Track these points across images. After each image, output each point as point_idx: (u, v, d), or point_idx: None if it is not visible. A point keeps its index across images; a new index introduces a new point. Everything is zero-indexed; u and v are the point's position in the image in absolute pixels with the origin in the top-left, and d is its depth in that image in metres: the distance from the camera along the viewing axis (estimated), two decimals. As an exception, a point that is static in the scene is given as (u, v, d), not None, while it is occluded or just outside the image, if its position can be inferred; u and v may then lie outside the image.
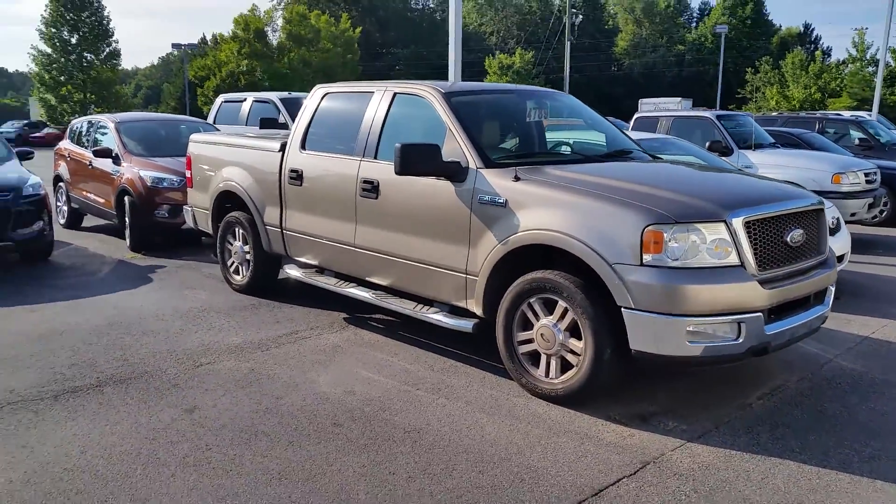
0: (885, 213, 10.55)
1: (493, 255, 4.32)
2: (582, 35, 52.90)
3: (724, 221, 3.82)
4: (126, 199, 8.50)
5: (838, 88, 41.46)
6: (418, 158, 4.48)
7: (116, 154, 8.83)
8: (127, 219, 8.56)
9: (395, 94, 5.24)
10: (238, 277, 6.59)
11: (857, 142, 13.79)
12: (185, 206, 7.37)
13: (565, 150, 5.72)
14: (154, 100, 70.61)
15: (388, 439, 3.66)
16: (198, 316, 5.84)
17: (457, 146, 4.63)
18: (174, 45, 49.74)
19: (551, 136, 5.91)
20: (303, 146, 5.77)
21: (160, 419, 3.87)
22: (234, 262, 6.62)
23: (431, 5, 70.66)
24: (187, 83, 44.31)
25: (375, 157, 5.13)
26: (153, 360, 4.79)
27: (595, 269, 3.87)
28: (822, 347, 5.14)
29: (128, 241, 8.67)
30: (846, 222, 7.28)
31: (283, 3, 51.16)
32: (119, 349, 5.01)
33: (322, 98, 5.86)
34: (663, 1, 66.46)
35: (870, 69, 41.63)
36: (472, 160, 4.53)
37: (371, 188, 5.05)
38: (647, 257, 3.74)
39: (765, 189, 4.50)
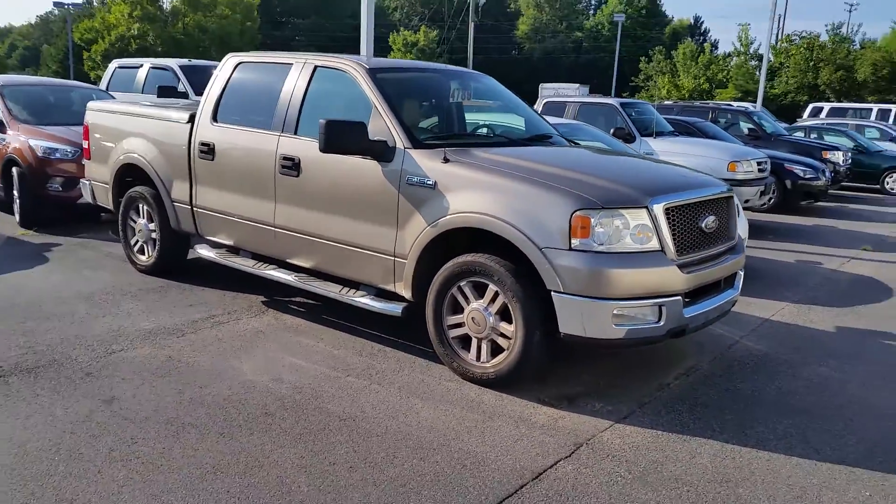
0: (773, 199, 11.24)
1: (422, 238, 4.27)
2: (485, 16, 53.19)
3: (646, 207, 3.92)
4: (14, 170, 7.83)
5: (725, 80, 43.73)
6: (344, 136, 4.35)
7: (1, 120, 8.11)
8: (15, 192, 7.90)
9: (315, 67, 5.05)
10: (143, 257, 6.22)
11: (746, 131, 14.58)
12: (82, 180, 6.87)
13: (487, 132, 5.71)
14: (32, 62, 65.57)
15: (323, 428, 3.56)
16: (103, 299, 5.47)
17: (383, 125, 4.52)
18: (56, 4, 46.35)
19: (470, 118, 5.89)
20: (214, 118, 5.48)
21: (77, 411, 3.61)
22: (138, 241, 6.24)
23: (333, -24, 68.98)
24: (72, 46, 41.37)
25: (295, 133, 4.94)
26: (61, 347, 4.45)
27: (525, 253, 3.89)
28: (728, 329, 5.40)
29: (17, 216, 8.00)
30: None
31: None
32: (21, 335, 4.63)
33: (235, 68, 5.58)
34: (563, -14, 67.76)
35: (752, 63, 44.12)
36: (400, 140, 4.44)
37: (291, 165, 4.87)
38: (574, 242, 3.79)
39: (681, 177, 4.65)
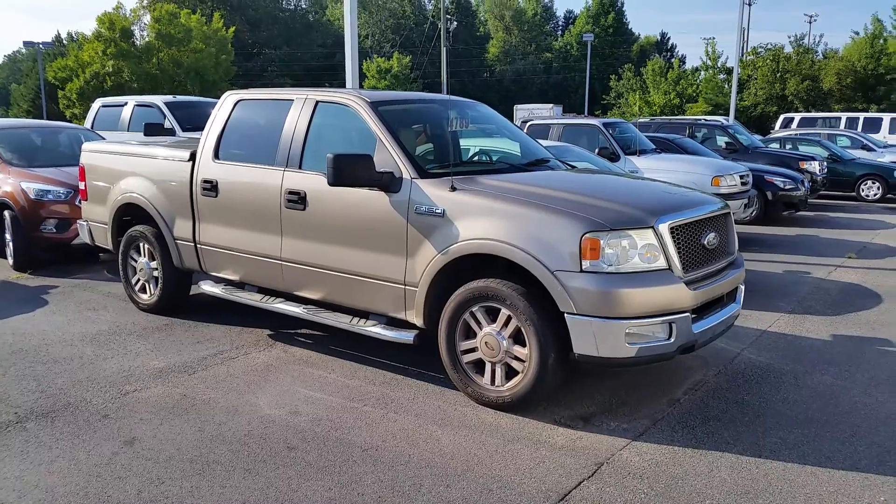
0: (755, 212, 11.47)
1: (432, 266, 4.33)
2: (456, 41, 53.84)
3: (653, 227, 4.03)
4: (6, 213, 7.79)
5: (695, 94, 44.50)
6: (352, 169, 4.43)
7: (-9, 164, 8.08)
8: (8, 235, 7.85)
9: (317, 102, 5.14)
10: (145, 296, 6.21)
11: (723, 145, 14.89)
12: (79, 221, 6.86)
13: (485, 158, 5.82)
14: (1, 102, 65.03)
15: (347, 460, 3.59)
16: (109, 339, 5.46)
17: (388, 156, 4.60)
18: (26, 43, 46.18)
19: (465, 144, 6.00)
20: (216, 155, 5.53)
21: (100, 454, 3.60)
22: (139, 280, 6.24)
23: (304, 6, 69.49)
24: (43, 84, 41.11)
25: (300, 167, 5.00)
26: (74, 390, 4.44)
27: (538, 277, 3.97)
28: (729, 342, 5.50)
29: (10, 259, 7.95)
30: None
31: (146, 1, 48.62)
32: (32, 380, 4.61)
33: (235, 105, 5.64)
34: (531, 9, 68.80)
35: (721, 76, 44.99)
36: (406, 170, 4.52)
37: (297, 199, 4.93)
38: (585, 264, 3.88)
39: (682, 196, 4.77)
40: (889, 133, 22.02)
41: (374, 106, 4.86)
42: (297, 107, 5.19)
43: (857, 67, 39.46)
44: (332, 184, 4.43)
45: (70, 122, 27.86)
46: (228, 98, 5.72)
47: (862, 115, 23.81)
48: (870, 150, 18.71)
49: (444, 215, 4.30)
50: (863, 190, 16.59)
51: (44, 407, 4.20)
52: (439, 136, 5.46)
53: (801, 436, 3.97)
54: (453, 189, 4.34)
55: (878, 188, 16.41)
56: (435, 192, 4.38)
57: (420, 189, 4.42)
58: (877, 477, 3.52)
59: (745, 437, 3.93)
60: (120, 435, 3.83)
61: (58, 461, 3.54)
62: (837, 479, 3.49)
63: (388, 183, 4.50)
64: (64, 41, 54.17)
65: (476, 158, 5.72)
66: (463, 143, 5.98)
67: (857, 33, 42.85)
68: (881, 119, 23.04)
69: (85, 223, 6.74)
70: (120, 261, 6.32)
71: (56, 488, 3.29)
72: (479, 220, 4.21)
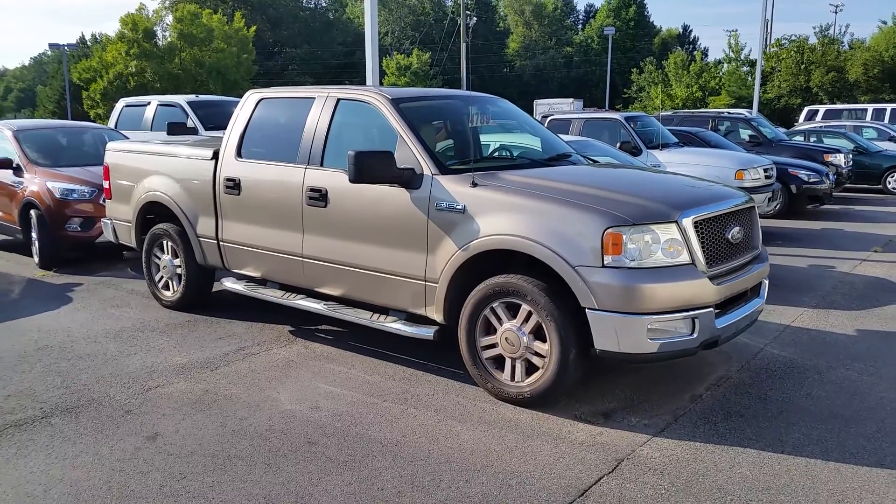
0: (779, 205, 11.31)
1: (453, 262, 4.34)
2: (475, 36, 53.72)
3: (676, 222, 4.00)
4: (32, 212, 7.93)
5: (717, 87, 44.02)
6: (373, 166, 4.44)
7: (18, 164, 8.21)
8: (34, 234, 7.99)
9: (338, 99, 5.16)
10: (168, 293, 6.29)
11: (747, 138, 14.71)
12: (103, 219, 6.95)
13: (506, 154, 5.80)
14: (28, 103, 66.09)
15: (367, 455, 3.61)
16: (132, 336, 5.53)
17: (409, 153, 4.61)
18: (52, 45, 46.78)
19: (486, 139, 5.99)
20: (239, 154, 5.58)
21: (123, 449, 3.66)
22: (162, 277, 6.32)
23: (323, 4, 69.73)
24: (68, 85, 41.66)
25: (321, 165, 5.03)
26: (98, 386, 4.51)
27: (559, 272, 3.96)
28: (752, 337, 5.45)
29: (36, 257, 8.09)
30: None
31: (167, 1, 49.08)
32: (57, 375, 4.69)
33: (257, 104, 5.68)
34: (551, 3, 68.44)
35: (744, 69, 44.45)
36: (427, 167, 4.52)
37: (319, 196, 4.95)
38: (607, 259, 3.86)
39: (705, 189, 4.73)
40: (917, 124, 21.59)
41: (396, 103, 4.87)
42: (319, 105, 5.21)
43: (885, 57, 38.78)
44: (353, 181, 4.45)
45: (94, 122, 28.25)
46: (251, 97, 5.76)
47: (889, 106, 23.33)
48: (897, 141, 18.38)
49: (465, 211, 4.30)
50: (889, 182, 16.30)
51: (68, 402, 4.27)
52: (460, 131, 5.45)
53: (824, 431, 3.92)
54: (474, 185, 4.34)
55: (906, 181, 16.12)
56: (456, 189, 4.38)
57: (441, 185, 4.43)
58: (903, 473, 3.47)
59: (767, 433, 3.89)
60: (143, 430, 3.89)
61: (82, 456, 3.60)
62: (862, 476, 3.44)
63: (409, 179, 4.51)
64: (88, 43, 54.95)
65: (497, 154, 5.71)
66: (484, 138, 5.97)
67: (885, 23, 42.17)
68: (909, 110, 22.59)
69: (109, 221, 6.83)
70: (143, 258, 6.40)
71: (80, 482, 3.34)
72: (499, 215, 4.20)
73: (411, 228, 4.52)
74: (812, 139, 17.20)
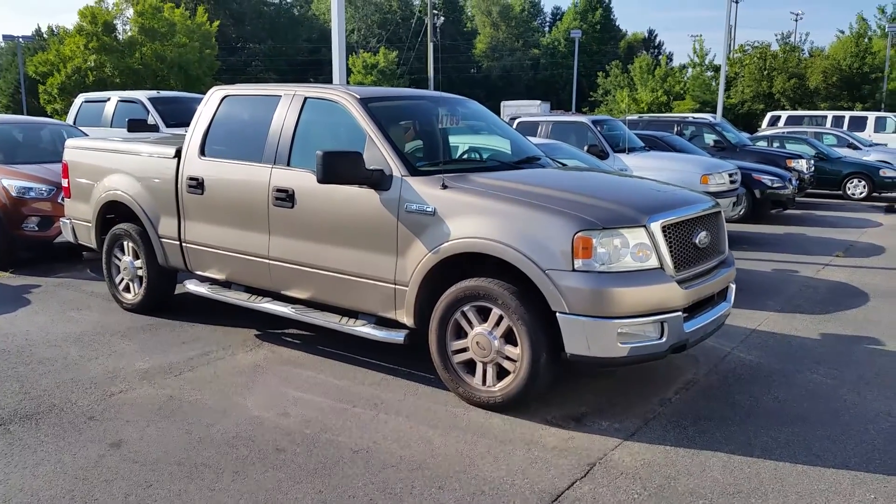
0: (743, 210, 11.49)
1: (423, 265, 4.29)
2: (443, 36, 53.73)
3: (644, 226, 4.01)
4: (-13, 211, 7.67)
5: (682, 91, 44.68)
6: (341, 166, 4.37)
7: (-30, 162, 7.95)
8: (-12, 234, 7.73)
9: (305, 98, 5.07)
10: (129, 295, 6.12)
11: (711, 143, 14.92)
12: (62, 219, 6.75)
13: (476, 156, 5.77)
14: (-21, 97, 64.20)
15: (337, 461, 3.54)
16: (93, 340, 5.37)
17: (378, 154, 4.55)
18: (5, 37, 45.56)
19: (454, 141, 5.95)
20: (202, 152, 5.45)
21: (86, 457, 3.54)
22: (123, 279, 6.15)
23: (288, 0, 69.07)
24: (23, 79, 40.58)
25: (288, 165, 4.94)
26: (58, 392, 4.36)
27: (529, 276, 3.94)
28: (719, 341, 5.49)
29: (-9, 257, 7.83)
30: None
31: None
32: (15, 381, 4.53)
33: (221, 101, 5.56)
34: (518, 5, 68.79)
35: (708, 74, 45.21)
36: (396, 168, 4.47)
37: (286, 197, 4.86)
38: (577, 263, 3.85)
39: (673, 194, 4.76)
40: (874, 132, 22.23)
41: (364, 102, 4.80)
42: (286, 103, 5.12)
43: (843, 66, 39.78)
44: (321, 181, 4.37)
45: (51, 117, 27.55)
46: (215, 94, 5.64)
47: (847, 114, 24.01)
48: (855, 148, 18.85)
49: (435, 213, 4.26)
50: (849, 188, 16.70)
51: (28, 409, 4.12)
52: (429, 132, 5.41)
53: (791, 434, 3.96)
54: (444, 187, 4.30)
55: (864, 187, 16.52)
56: (425, 191, 4.33)
57: (410, 187, 4.37)
58: (867, 475, 3.52)
59: (736, 437, 3.92)
60: (106, 437, 3.77)
61: (43, 464, 3.47)
62: (828, 478, 3.49)
63: (378, 181, 4.45)
64: (44, 35, 53.56)
65: (466, 156, 5.68)
66: (453, 140, 5.93)
67: (843, 32, 43.30)
68: (866, 117, 23.26)
69: (68, 221, 6.64)
70: (104, 259, 6.22)
71: (41, 492, 3.22)
72: (470, 218, 4.17)
73: (381, 230, 4.46)
74: (775, 145, 17.53)
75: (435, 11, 46.36)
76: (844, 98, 39.38)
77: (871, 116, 23.16)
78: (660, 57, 55.47)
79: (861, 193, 16.55)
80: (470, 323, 4.21)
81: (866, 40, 41.27)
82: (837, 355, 5.32)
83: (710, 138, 15.24)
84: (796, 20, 54.99)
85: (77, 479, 3.34)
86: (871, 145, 19.68)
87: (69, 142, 6.63)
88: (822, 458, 3.68)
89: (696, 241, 4.32)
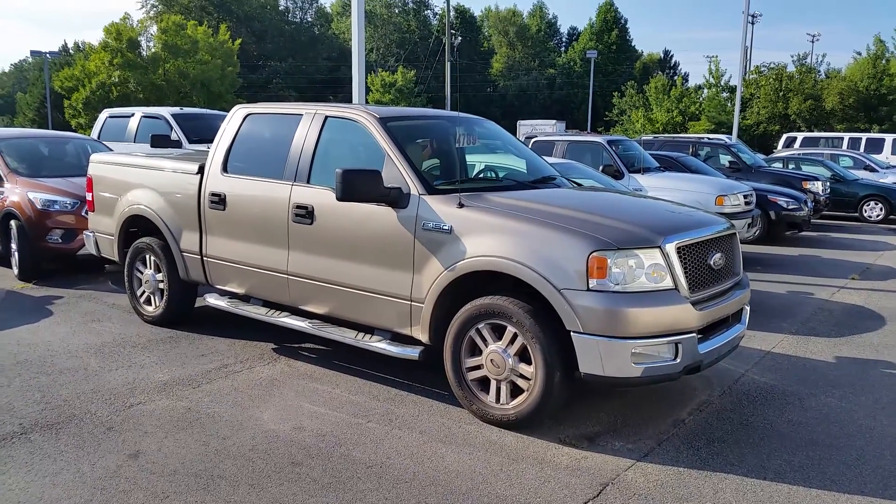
0: (758, 231, 11.47)
1: (439, 282, 4.34)
2: (460, 56, 54.17)
3: (659, 247, 4.04)
4: (12, 223, 7.82)
5: (697, 112, 44.64)
6: (360, 185, 4.44)
7: (-2, 174, 8.12)
8: (13, 245, 7.89)
9: (326, 117, 5.17)
10: (150, 308, 6.22)
11: (727, 164, 14.92)
12: (85, 232, 6.88)
13: (492, 175, 5.85)
14: (7, 110, 65.33)
15: (351, 476, 3.59)
16: (113, 351, 5.46)
17: (397, 172, 4.63)
18: (33, 53, 46.56)
19: (471, 161, 6.03)
20: (224, 169, 5.56)
21: (104, 467, 3.60)
22: (144, 292, 6.25)
23: (309, 19, 70.00)
24: (49, 94, 41.35)
25: (308, 182, 5.03)
26: (78, 402, 4.44)
27: (544, 295, 3.98)
28: (733, 363, 5.49)
29: (15, 269, 7.98)
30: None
31: (152, 11, 48.98)
32: (37, 391, 4.61)
33: (244, 119, 5.68)
34: (535, 25, 69.25)
35: (724, 95, 45.15)
36: (414, 186, 4.54)
37: (305, 214, 4.95)
38: (592, 282, 3.89)
39: (688, 215, 4.79)
40: (891, 154, 22.07)
41: (384, 122, 4.89)
42: (307, 121, 5.22)
43: (860, 87, 39.59)
44: (340, 199, 4.45)
45: (75, 131, 27.98)
46: (238, 112, 5.76)
47: (864, 136, 23.87)
48: (872, 170, 18.75)
49: (452, 232, 4.32)
50: (865, 210, 16.60)
51: (48, 418, 4.20)
52: (446, 151, 5.48)
53: (805, 458, 3.96)
54: (461, 206, 4.36)
55: (881, 209, 16.42)
56: (442, 209, 4.40)
57: (428, 205, 4.44)
58: (882, 501, 3.51)
59: (749, 459, 3.92)
60: (125, 448, 3.83)
61: (62, 473, 3.54)
62: (843, 503, 3.47)
63: (396, 198, 4.52)
64: (70, 51, 54.63)
65: (482, 175, 5.74)
66: (469, 159, 6.01)
67: (860, 53, 43.12)
68: (883, 140, 23.10)
69: (91, 234, 6.76)
70: (126, 272, 6.33)
71: (60, 501, 3.28)
72: (486, 237, 4.22)
73: (398, 248, 4.52)
74: (790, 166, 17.48)
75: (453, 31, 46.78)
76: (861, 120, 39.16)
77: (889, 138, 23.00)
78: (675, 77, 55.60)
79: (878, 216, 16.45)
80: (485, 340, 4.25)
81: (884, 62, 41.04)
82: (853, 379, 5.30)
83: (725, 159, 15.24)
84: (813, 41, 55.10)
85: (95, 488, 3.40)
86: (888, 167, 19.57)
87: (94, 156, 6.77)
88: (837, 483, 3.68)
89: (711, 263, 4.35)
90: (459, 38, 50.63)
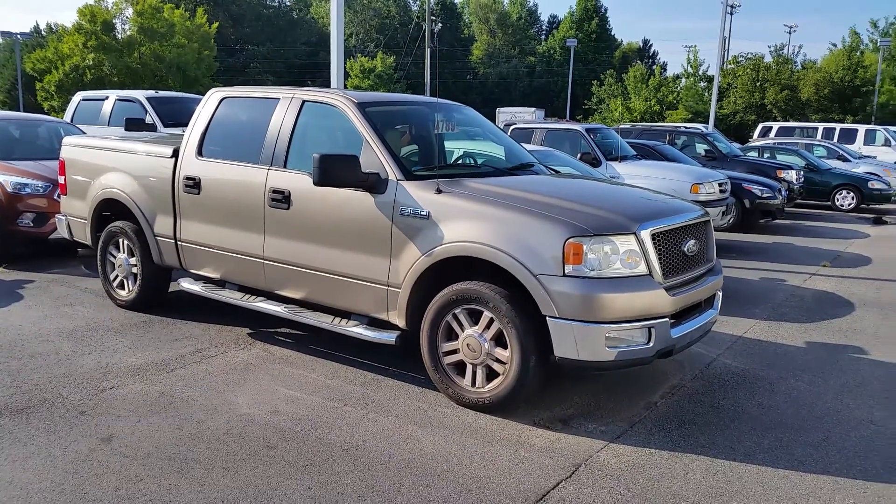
0: (733, 219, 11.61)
1: (416, 267, 4.35)
2: (440, 42, 53.96)
3: (634, 234, 4.08)
4: (-18, 206, 7.70)
5: (675, 101, 44.94)
6: (338, 170, 4.43)
7: (-33, 157, 7.97)
8: (-17, 228, 7.76)
9: (303, 101, 5.13)
10: (123, 292, 6.16)
11: (702, 153, 15.05)
12: (57, 215, 6.79)
13: (470, 161, 5.85)
14: (-24, 92, 63.94)
15: (327, 459, 3.60)
16: (86, 335, 5.41)
17: (375, 158, 4.61)
18: (3, 34, 45.54)
19: (450, 147, 6.03)
20: (199, 152, 5.50)
21: (76, 451, 3.58)
22: (118, 276, 6.19)
23: (287, 3, 69.17)
24: (20, 75, 40.55)
25: (285, 167, 5.00)
26: (50, 386, 4.40)
27: (521, 281, 4.01)
28: (705, 347, 5.57)
29: (-15, 253, 7.85)
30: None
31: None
32: (7, 375, 4.56)
33: (220, 103, 5.62)
34: (515, 13, 69.08)
35: (701, 84, 45.48)
36: (392, 172, 4.54)
37: (282, 198, 4.92)
38: (568, 268, 3.92)
39: (663, 203, 4.83)
40: (864, 144, 22.46)
41: (362, 107, 4.87)
42: (284, 106, 5.18)
43: (835, 79, 40.10)
44: (317, 183, 4.44)
45: (48, 114, 27.48)
46: (213, 95, 5.70)
47: (838, 126, 24.23)
48: (845, 160, 19.03)
49: (429, 217, 4.32)
50: (838, 199, 16.87)
51: (19, 403, 4.16)
52: (425, 137, 5.49)
53: (774, 440, 4.04)
54: (439, 192, 4.37)
55: (853, 198, 16.69)
56: (420, 194, 4.40)
57: (405, 191, 4.44)
58: (847, 480, 3.60)
59: (719, 441, 3.99)
60: (97, 432, 3.81)
61: (33, 458, 3.51)
62: (809, 483, 3.56)
63: (374, 184, 4.52)
64: (43, 32, 53.48)
65: (461, 161, 5.75)
66: (448, 145, 6.01)
67: (835, 45, 43.65)
68: (856, 130, 23.48)
69: (63, 218, 6.68)
70: (98, 256, 6.26)
71: (31, 485, 3.26)
72: (463, 222, 4.24)
73: (375, 233, 4.52)
74: (766, 155, 17.68)
75: (433, 17, 46.61)
76: (835, 110, 39.69)
77: (861, 129, 23.39)
78: (654, 67, 55.78)
79: (849, 205, 16.72)
80: (461, 325, 4.27)
81: (858, 54, 41.63)
82: (822, 363, 5.41)
83: (701, 148, 15.37)
84: (790, 33, 55.43)
85: (67, 472, 3.38)
86: (860, 157, 19.88)
87: (67, 139, 6.67)
88: (804, 464, 3.76)
89: (685, 249, 4.40)
90: (440, 24, 50.55)
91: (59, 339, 5.33)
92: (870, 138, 22.91)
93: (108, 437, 3.74)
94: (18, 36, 44.23)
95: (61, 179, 6.57)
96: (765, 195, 12.10)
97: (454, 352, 4.32)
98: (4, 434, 3.75)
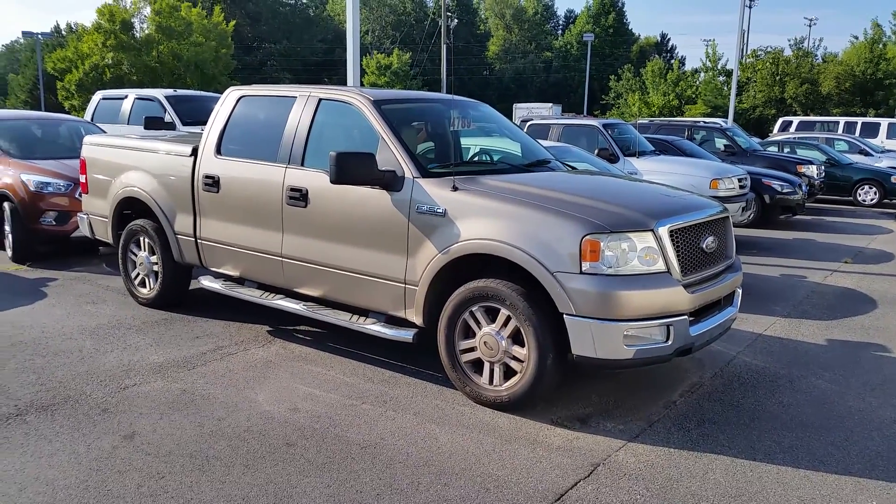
0: (753, 215, 11.51)
1: (433, 265, 4.36)
2: (456, 38, 53.82)
3: (652, 230, 4.06)
4: (5, 205, 7.80)
5: (694, 96, 44.55)
6: (354, 167, 4.44)
7: (-9, 156, 8.08)
8: (7, 227, 7.87)
9: (320, 99, 5.15)
10: (144, 290, 6.23)
11: (722, 148, 14.92)
12: (79, 214, 6.87)
13: (486, 158, 5.84)
14: (-1, 91, 64.83)
15: (345, 457, 3.62)
16: (108, 333, 5.48)
17: (391, 155, 4.62)
18: (25, 33, 46.12)
19: (466, 144, 6.02)
20: (218, 151, 5.54)
21: (100, 447, 3.63)
22: (139, 274, 6.26)
23: (304, 0, 69.37)
24: (42, 75, 41.02)
25: (302, 165, 5.02)
26: (74, 384, 4.46)
27: (538, 278, 4.00)
28: (725, 345, 5.53)
29: (9, 251, 7.96)
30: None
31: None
32: (32, 372, 4.63)
33: (237, 101, 5.65)
34: (531, 8, 68.80)
35: (720, 79, 45.04)
36: (408, 169, 4.54)
37: (299, 196, 4.95)
38: (585, 265, 3.91)
39: (681, 199, 4.80)
40: (886, 138, 22.10)
41: (378, 105, 4.88)
42: (301, 104, 5.20)
43: (856, 72, 39.56)
44: (334, 181, 4.45)
45: (69, 113, 27.81)
46: (231, 94, 5.73)
47: (860, 120, 23.88)
48: (867, 154, 18.79)
49: (446, 215, 4.32)
50: (860, 194, 16.65)
51: (44, 400, 4.22)
52: (441, 135, 5.48)
53: (795, 439, 4.00)
54: (455, 189, 4.36)
55: (875, 193, 16.47)
56: (436, 192, 4.40)
57: (422, 188, 4.45)
58: (869, 482, 3.56)
59: (739, 440, 3.97)
60: (120, 429, 3.86)
61: (58, 454, 3.56)
62: (830, 483, 3.53)
63: (390, 182, 4.53)
64: (63, 32, 54.05)
65: (477, 158, 5.74)
66: (464, 142, 6.00)
67: (857, 38, 43.02)
68: (879, 124, 23.11)
69: (85, 216, 6.75)
70: (120, 255, 6.33)
71: (56, 481, 3.31)
72: (480, 220, 4.23)
73: (392, 231, 4.53)
74: (786, 150, 17.49)
75: (449, 14, 46.44)
76: (857, 104, 39.17)
77: (884, 123, 23.01)
78: (672, 61, 55.31)
79: (872, 200, 16.49)
80: (478, 323, 4.27)
81: (880, 46, 40.98)
82: (843, 361, 5.35)
83: (720, 143, 15.24)
84: (810, 26, 54.94)
85: (91, 469, 3.43)
86: (882, 151, 19.61)
87: (87, 138, 6.75)
88: (826, 464, 3.72)
89: (704, 246, 4.37)
90: (455, 20, 50.35)
91: (81, 336, 5.40)
92: (893, 132, 22.52)
93: (131, 435, 3.79)
94: (39, 36, 44.76)
95: (82, 178, 6.65)
96: (785, 190, 11.97)
97: (471, 350, 4.32)
98: (31, 431, 3.81)
